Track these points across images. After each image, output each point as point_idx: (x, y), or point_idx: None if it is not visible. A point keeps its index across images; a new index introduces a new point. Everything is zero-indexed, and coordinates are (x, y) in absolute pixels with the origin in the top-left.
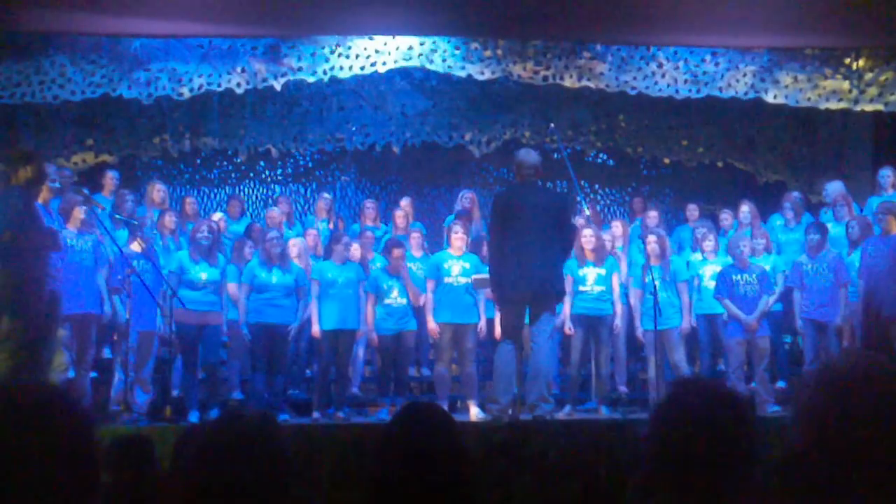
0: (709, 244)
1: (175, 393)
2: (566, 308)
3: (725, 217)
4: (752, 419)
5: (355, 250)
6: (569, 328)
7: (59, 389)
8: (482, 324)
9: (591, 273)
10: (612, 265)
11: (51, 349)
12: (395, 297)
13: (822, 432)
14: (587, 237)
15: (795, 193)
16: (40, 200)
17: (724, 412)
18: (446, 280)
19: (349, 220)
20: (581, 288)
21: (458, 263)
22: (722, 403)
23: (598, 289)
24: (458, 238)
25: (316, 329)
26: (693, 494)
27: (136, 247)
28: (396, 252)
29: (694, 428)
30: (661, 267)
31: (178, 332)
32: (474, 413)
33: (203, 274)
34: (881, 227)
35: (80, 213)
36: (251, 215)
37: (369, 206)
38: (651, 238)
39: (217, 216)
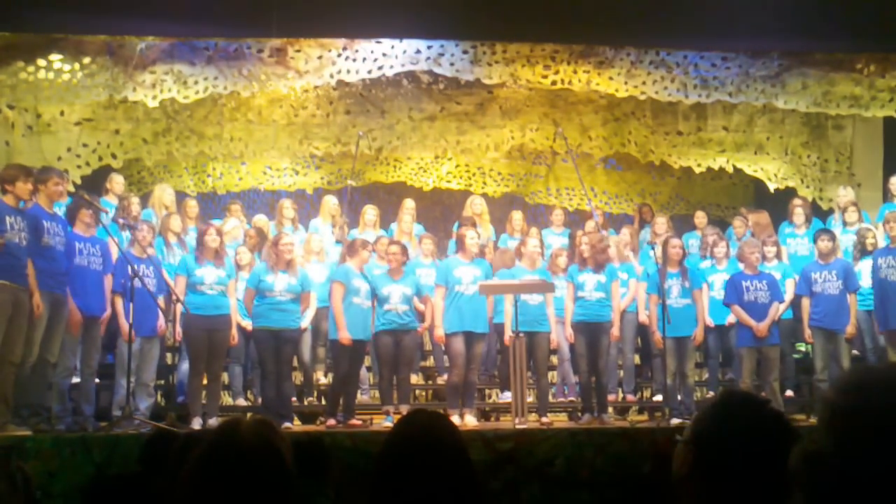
0: (720, 251)
1: (179, 399)
2: (568, 315)
3: (739, 224)
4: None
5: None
6: (569, 335)
7: None
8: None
9: (590, 279)
10: (612, 272)
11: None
12: (396, 304)
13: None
14: (587, 243)
15: (802, 199)
16: (42, 204)
17: (770, 432)
18: (457, 288)
19: (353, 226)
20: (580, 294)
21: (470, 270)
22: (769, 423)
23: (597, 295)
24: (472, 244)
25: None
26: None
27: (138, 251)
28: (394, 249)
29: (735, 441)
30: (679, 273)
31: (185, 337)
32: (469, 422)
33: (212, 276)
34: (890, 235)
35: (85, 216)
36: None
37: (370, 211)
38: (676, 243)
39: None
